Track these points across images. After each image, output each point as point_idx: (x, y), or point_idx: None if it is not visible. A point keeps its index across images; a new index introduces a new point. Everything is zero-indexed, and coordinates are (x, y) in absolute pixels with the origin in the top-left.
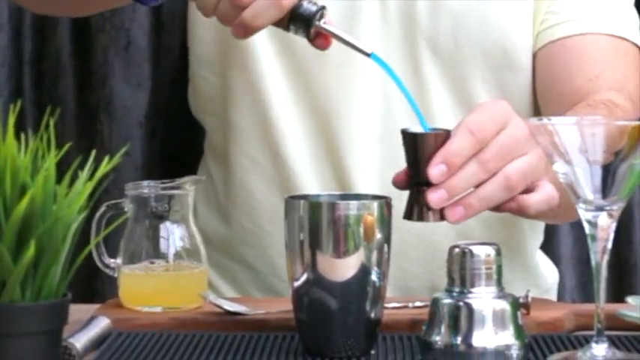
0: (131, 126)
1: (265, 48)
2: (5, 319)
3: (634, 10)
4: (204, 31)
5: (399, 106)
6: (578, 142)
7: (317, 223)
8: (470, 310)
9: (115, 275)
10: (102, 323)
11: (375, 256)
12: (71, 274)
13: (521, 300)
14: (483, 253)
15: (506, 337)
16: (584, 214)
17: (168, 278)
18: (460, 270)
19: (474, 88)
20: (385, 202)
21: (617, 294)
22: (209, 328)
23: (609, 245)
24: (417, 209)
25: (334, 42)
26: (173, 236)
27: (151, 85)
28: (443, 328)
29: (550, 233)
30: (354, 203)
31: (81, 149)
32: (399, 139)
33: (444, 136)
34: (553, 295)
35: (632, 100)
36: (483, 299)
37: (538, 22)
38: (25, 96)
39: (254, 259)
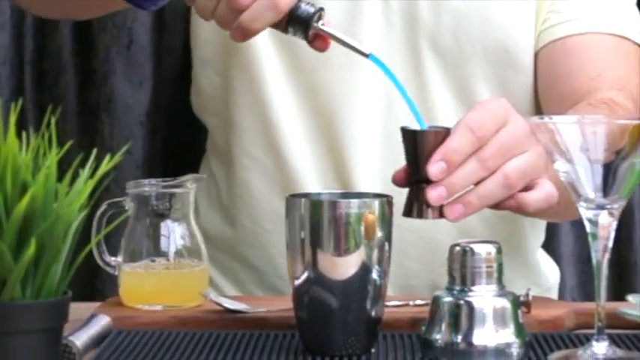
0: (132, 124)
1: (267, 48)
2: (5, 317)
3: (635, 10)
4: (206, 32)
5: (401, 106)
6: (580, 140)
7: (318, 221)
8: (470, 309)
9: (116, 273)
10: (102, 321)
11: (375, 254)
12: (72, 272)
13: (521, 298)
14: (484, 251)
15: (507, 336)
16: (585, 213)
17: (168, 276)
18: (461, 268)
19: (476, 87)
20: (386, 201)
21: (618, 292)
22: (209, 327)
23: (610, 244)
24: (416, 206)
25: (335, 43)
26: (174, 234)
27: (153, 84)
28: (443, 327)
29: (551, 232)
30: (355, 202)
31: (82, 148)
32: (400, 140)
33: (444, 133)
34: (554, 294)
35: (633, 99)
36: (484, 297)
37: (540, 21)
38: (26, 94)
39: (255, 258)
